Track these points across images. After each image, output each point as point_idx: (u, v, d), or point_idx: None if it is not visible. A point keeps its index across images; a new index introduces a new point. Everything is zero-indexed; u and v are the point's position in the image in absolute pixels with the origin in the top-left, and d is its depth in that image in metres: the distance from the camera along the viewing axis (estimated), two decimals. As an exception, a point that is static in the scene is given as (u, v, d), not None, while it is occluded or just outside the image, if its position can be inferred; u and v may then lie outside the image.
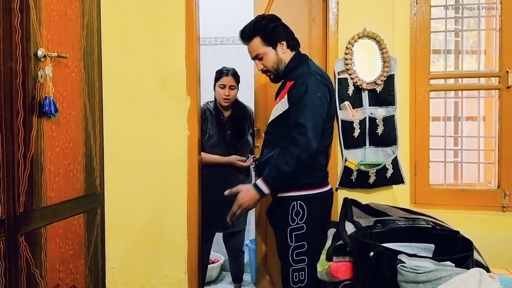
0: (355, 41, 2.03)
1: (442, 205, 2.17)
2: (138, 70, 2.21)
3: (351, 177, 2.03)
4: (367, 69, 2.04)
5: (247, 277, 3.23)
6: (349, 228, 1.60)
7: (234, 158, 2.62)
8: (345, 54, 2.03)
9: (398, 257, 1.18)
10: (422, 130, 2.20)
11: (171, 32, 2.17)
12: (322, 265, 1.51)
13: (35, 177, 1.71)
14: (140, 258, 2.24)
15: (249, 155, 2.68)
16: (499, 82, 2.17)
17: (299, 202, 1.74)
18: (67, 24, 1.91)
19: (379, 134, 2.03)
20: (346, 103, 2.03)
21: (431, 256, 1.35)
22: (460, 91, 2.32)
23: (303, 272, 1.74)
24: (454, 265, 1.14)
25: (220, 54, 3.45)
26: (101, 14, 2.20)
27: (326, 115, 1.73)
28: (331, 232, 1.76)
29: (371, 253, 1.24)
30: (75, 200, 1.99)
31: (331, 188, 1.87)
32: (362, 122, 2.03)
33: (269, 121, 1.88)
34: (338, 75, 2.04)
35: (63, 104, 1.88)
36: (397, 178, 2.04)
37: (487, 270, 1.31)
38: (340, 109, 2.03)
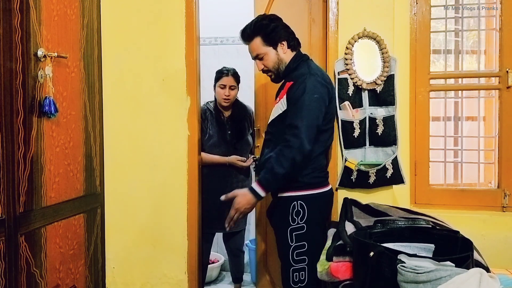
0: (355, 41, 2.03)
1: (442, 205, 2.17)
2: (138, 70, 2.21)
3: (351, 177, 2.03)
4: (367, 69, 2.04)
5: (247, 277, 3.23)
6: (349, 228, 1.60)
7: (234, 158, 2.62)
8: (345, 54, 2.03)
9: (398, 257, 1.18)
10: (422, 130, 2.20)
11: (171, 32, 2.17)
12: (322, 265, 1.51)
13: (35, 177, 1.71)
14: (140, 258, 2.24)
15: (249, 155, 2.68)
16: (499, 82, 2.17)
17: (300, 202, 1.74)
18: (67, 24, 1.91)
19: (379, 134, 2.03)
20: (346, 103, 2.03)
21: (431, 256, 1.35)
22: (460, 91, 2.32)
23: (303, 272, 1.74)
24: (454, 265, 1.14)
25: (220, 54, 3.45)
26: (101, 14, 2.20)
27: (324, 116, 1.73)
28: (331, 232, 1.76)
29: (371, 253, 1.24)
30: (75, 200, 1.99)
31: (331, 188, 1.87)
32: (362, 122, 2.03)
33: (269, 121, 1.88)
34: (338, 75, 2.04)
35: (63, 104, 1.88)
36: (397, 178, 2.04)
37: (487, 270, 1.31)
38: (340, 109, 2.03)
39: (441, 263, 1.15)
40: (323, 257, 1.54)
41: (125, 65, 2.21)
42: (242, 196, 1.71)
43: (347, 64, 2.03)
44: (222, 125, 2.68)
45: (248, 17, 2.10)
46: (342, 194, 2.06)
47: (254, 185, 1.70)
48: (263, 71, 1.90)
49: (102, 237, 2.24)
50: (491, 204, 2.15)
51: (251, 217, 3.15)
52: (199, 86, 2.24)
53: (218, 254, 3.38)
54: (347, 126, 2.03)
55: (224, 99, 2.64)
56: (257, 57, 1.87)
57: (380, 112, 2.05)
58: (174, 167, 2.19)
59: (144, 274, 2.24)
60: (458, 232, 1.41)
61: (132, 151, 2.22)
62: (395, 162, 2.02)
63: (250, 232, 3.32)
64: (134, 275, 2.25)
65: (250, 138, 2.75)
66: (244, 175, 2.69)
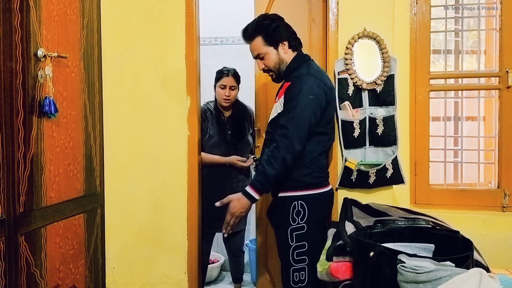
0: (355, 41, 2.03)
1: (442, 205, 2.17)
2: (138, 70, 2.21)
3: (351, 177, 2.03)
4: (367, 69, 2.04)
5: (247, 277, 3.23)
6: (349, 228, 1.60)
7: (234, 159, 2.62)
8: (345, 54, 2.03)
9: (398, 257, 1.18)
10: (422, 130, 2.20)
11: (171, 32, 2.17)
12: (322, 265, 1.51)
13: (35, 177, 1.71)
14: (140, 258, 2.24)
15: (249, 155, 2.68)
16: (499, 82, 2.17)
17: (300, 202, 1.75)
18: (67, 24, 1.91)
19: (379, 134, 2.03)
20: (346, 103, 2.03)
21: (431, 256, 1.35)
22: (460, 91, 2.32)
23: (303, 272, 1.74)
24: (454, 265, 1.14)
25: (220, 54, 3.45)
26: (101, 14, 2.20)
27: (320, 118, 1.74)
28: (331, 232, 1.76)
29: (371, 253, 1.24)
30: (75, 200, 1.99)
31: (331, 188, 1.88)
32: (362, 122, 2.02)
33: (269, 120, 1.88)
34: (338, 75, 2.04)
35: (63, 104, 1.88)
36: (397, 178, 2.04)
37: (487, 270, 1.31)
38: (340, 109, 2.03)
39: (441, 263, 1.15)
40: (323, 257, 1.54)
41: (125, 65, 2.21)
42: (236, 201, 1.72)
43: (347, 64, 2.03)
44: (222, 125, 2.68)
45: (248, 17, 2.10)
46: (342, 194, 2.06)
47: (248, 189, 1.71)
48: (264, 70, 1.90)
49: (102, 237, 2.24)
50: (491, 204, 2.15)
51: (251, 217, 3.15)
52: (199, 86, 2.24)
53: (218, 254, 3.38)
54: (347, 126, 2.03)
55: (225, 99, 2.64)
56: (258, 57, 1.87)
57: (380, 112, 2.05)
58: (174, 167, 2.19)
59: (144, 274, 2.24)
60: (458, 232, 1.41)
61: (132, 151, 2.22)
62: (395, 162, 2.02)
63: (250, 232, 3.32)
64: (134, 275, 2.25)
65: (250, 138, 2.75)
66: (244, 175, 2.69)
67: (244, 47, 1.92)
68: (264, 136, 1.99)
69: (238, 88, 2.70)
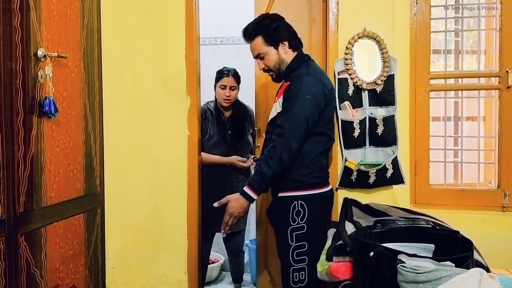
0: (355, 41, 2.03)
1: (442, 205, 2.17)
2: (138, 70, 2.21)
3: (351, 177, 2.03)
4: (367, 69, 2.04)
5: (247, 277, 3.23)
6: (349, 228, 1.60)
7: (234, 159, 2.62)
8: (345, 54, 2.03)
9: (398, 257, 1.18)
10: (422, 130, 2.20)
11: (171, 32, 2.17)
12: (322, 265, 1.51)
13: (35, 177, 1.71)
14: (140, 258, 2.24)
15: (250, 155, 2.67)
16: (499, 82, 2.17)
17: (300, 202, 1.75)
18: (67, 24, 1.91)
19: (379, 134, 2.03)
20: (346, 103, 2.03)
21: (431, 256, 1.35)
22: (460, 91, 2.32)
23: (303, 272, 1.74)
24: (454, 265, 1.15)
25: (220, 54, 3.45)
26: (101, 14, 2.20)
27: (318, 118, 1.74)
28: (331, 232, 1.76)
29: (371, 253, 1.24)
30: (75, 200, 1.99)
31: (331, 188, 1.88)
32: (362, 122, 2.02)
33: (268, 120, 1.89)
34: (338, 75, 2.04)
35: (63, 104, 1.88)
36: (397, 178, 2.04)
37: (487, 270, 1.31)
38: (340, 109, 2.03)
39: (441, 263, 1.15)
40: (323, 257, 1.54)
41: (125, 65, 2.21)
42: (234, 201, 1.73)
43: (347, 64, 2.03)
44: (222, 125, 2.68)
45: (248, 17, 2.10)
46: (342, 194, 2.06)
47: (246, 188, 1.71)
48: (264, 70, 1.90)
49: (102, 237, 2.24)
50: (491, 204, 2.15)
51: (251, 217, 3.15)
52: (199, 86, 2.24)
53: (218, 254, 3.38)
54: (347, 126, 2.03)
55: (225, 99, 2.64)
56: (258, 57, 1.87)
57: (380, 112, 2.05)
58: (174, 167, 2.19)
59: (144, 274, 2.24)
60: (458, 232, 1.41)
61: (132, 151, 2.22)
62: (395, 162, 2.02)
63: (250, 232, 3.32)
64: (134, 275, 2.25)
65: (250, 138, 2.75)
66: (244, 175, 2.69)
67: (244, 47, 1.92)
68: (264, 136, 1.99)
69: (238, 88, 2.70)
